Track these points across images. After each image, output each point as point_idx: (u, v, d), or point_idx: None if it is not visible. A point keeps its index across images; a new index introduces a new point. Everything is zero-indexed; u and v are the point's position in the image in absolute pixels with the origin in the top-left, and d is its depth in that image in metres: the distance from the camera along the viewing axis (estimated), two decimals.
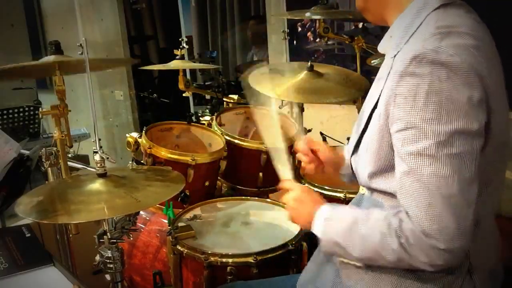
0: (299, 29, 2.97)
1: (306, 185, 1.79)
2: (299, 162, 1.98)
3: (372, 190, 1.02)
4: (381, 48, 1.04)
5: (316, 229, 1.00)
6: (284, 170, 1.23)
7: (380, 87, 0.95)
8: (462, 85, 0.80)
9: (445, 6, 0.91)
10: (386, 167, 0.94)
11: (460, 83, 0.80)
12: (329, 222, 0.98)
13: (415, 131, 0.82)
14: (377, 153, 0.94)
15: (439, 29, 0.85)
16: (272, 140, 1.30)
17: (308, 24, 2.94)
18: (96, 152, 1.21)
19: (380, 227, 0.88)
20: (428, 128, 0.81)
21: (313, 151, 1.27)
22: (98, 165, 1.22)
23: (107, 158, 1.22)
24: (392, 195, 0.95)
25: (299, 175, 1.88)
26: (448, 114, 0.80)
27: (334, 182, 1.80)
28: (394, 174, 0.91)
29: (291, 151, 2.03)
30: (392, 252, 0.86)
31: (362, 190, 1.09)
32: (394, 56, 0.93)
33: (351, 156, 1.07)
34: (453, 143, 0.81)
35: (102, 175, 1.22)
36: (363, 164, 1.00)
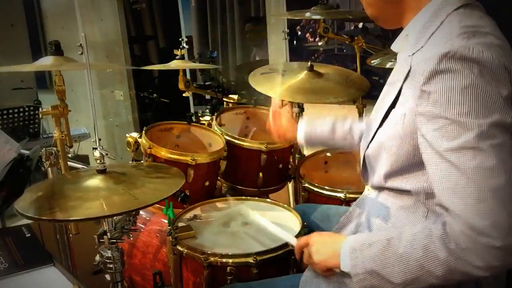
0: (299, 33, 2.97)
1: (306, 184, 1.79)
2: (299, 161, 1.99)
3: (380, 189, 1.01)
4: (395, 46, 1.04)
5: (344, 264, 0.95)
6: (288, 237, 1.25)
7: (398, 86, 0.94)
8: (494, 80, 0.81)
9: (465, 7, 0.91)
10: (404, 168, 0.93)
11: (492, 78, 0.80)
12: (357, 253, 0.92)
13: (455, 126, 0.81)
14: (396, 154, 0.93)
15: (464, 28, 0.85)
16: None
17: (307, 26, 2.94)
18: (96, 148, 1.21)
19: (420, 240, 0.84)
20: (468, 122, 0.80)
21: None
22: (98, 161, 1.21)
23: (107, 154, 1.22)
24: (404, 192, 0.94)
25: (299, 175, 1.88)
26: (485, 107, 0.80)
27: (334, 182, 1.80)
28: (412, 174, 0.91)
29: (291, 150, 2.03)
30: (440, 263, 0.81)
31: (368, 191, 1.08)
32: (413, 54, 0.93)
33: (364, 153, 1.06)
34: (494, 135, 0.80)
35: (102, 171, 1.22)
36: (378, 163, 0.99)
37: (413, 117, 0.88)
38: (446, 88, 0.81)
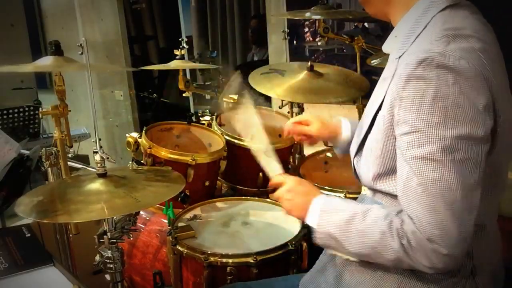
0: (306, 29, 2.95)
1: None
2: (299, 161, 1.99)
3: (375, 191, 1.02)
4: (386, 48, 1.03)
5: (311, 220, 0.99)
6: (272, 166, 1.22)
7: (384, 89, 0.94)
8: (469, 90, 0.80)
9: (451, 7, 0.90)
10: (391, 169, 0.93)
11: (467, 88, 0.80)
12: (325, 214, 0.97)
13: (420, 135, 0.82)
14: (381, 156, 0.94)
15: (445, 31, 0.85)
16: (254, 138, 1.31)
17: (309, 26, 2.94)
18: (96, 152, 1.21)
19: (381, 225, 0.88)
20: (434, 133, 0.80)
21: (304, 131, 1.33)
22: (98, 165, 1.22)
23: (107, 158, 1.22)
24: (395, 196, 0.95)
25: (298, 175, 1.88)
26: (454, 119, 0.80)
27: (334, 182, 1.80)
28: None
29: (291, 150, 2.03)
30: (392, 251, 0.86)
31: (364, 191, 1.08)
32: (399, 57, 0.93)
33: (354, 157, 1.07)
34: (458, 149, 0.80)
35: (102, 175, 1.22)
36: (367, 166, 1.00)
37: (391, 118, 0.89)
38: (418, 96, 0.81)
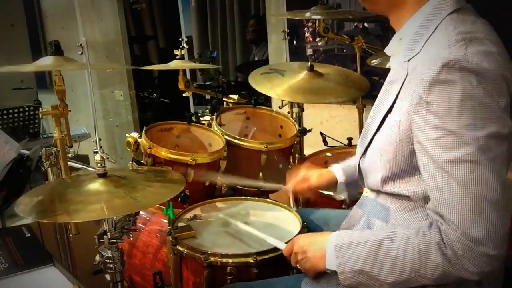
0: (306, 29, 2.96)
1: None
2: (299, 161, 1.99)
3: (378, 192, 1.01)
4: (389, 50, 1.03)
5: (329, 263, 0.96)
6: (278, 244, 1.26)
7: (394, 92, 0.94)
8: (492, 90, 0.81)
9: (457, 11, 0.91)
10: (401, 172, 0.93)
11: (490, 89, 0.81)
12: (343, 251, 0.94)
13: (454, 137, 0.82)
14: (392, 160, 0.94)
15: (460, 34, 0.85)
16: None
17: (310, 26, 2.94)
18: (96, 152, 1.21)
19: (415, 244, 0.86)
20: (467, 134, 0.81)
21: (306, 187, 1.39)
22: (98, 165, 1.21)
23: (107, 158, 1.22)
24: (403, 197, 0.95)
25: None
26: (483, 119, 0.81)
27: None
28: (409, 179, 0.91)
29: (292, 150, 2.03)
30: (435, 267, 0.84)
31: (366, 193, 1.08)
32: (409, 60, 0.93)
33: (360, 159, 1.06)
34: (491, 147, 0.81)
35: (102, 175, 1.22)
36: (374, 168, 0.99)
37: (409, 123, 0.89)
38: (446, 99, 0.82)
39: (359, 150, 1.07)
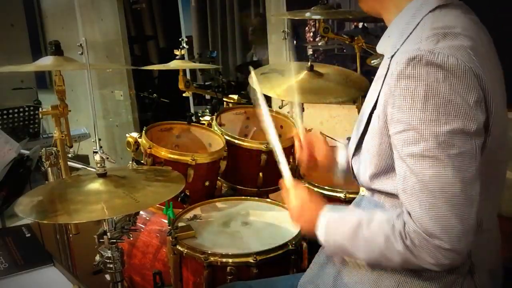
0: (306, 29, 2.96)
1: (306, 184, 1.79)
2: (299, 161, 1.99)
3: (373, 191, 1.02)
4: (379, 48, 1.04)
5: (319, 233, 1.00)
6: (284, 168, 1.21)
7: (378, 88, 0.95)
8: (459, 86, 0.81)
9: (441, 8, 0.91)
10: (387, 168, 0.94)
11: (457, 84, 0.81)
12: (332, 226, 0.98)
13: (415, 132, 0.83)
14: (377, 155, 0.94)
15: (434, 30, 0.86)
16: (272, 138, 1.28)
17: (308, 25, 2.94)
18: (96, 152, 1.21)
19: (384, 229, 0.88)
20: (427, 130, 0.81)
21: (310, 146, 1.27)
22: (98, 165, 1.22)
23: (107, 158, 1.22)
24: (393, 195, 0.95)
25: (299, 175, 1.88)
26: (446, 115, 0.80)
27: (334, 182, 1.80)
28: (395, 175, 0.91)
29: (292, 150, 2.03)
30: (398, 254, 0.86)
31: (363, 191, 1.08)
32: (391, 56, 0.93)
33: (352, 158, 1.07)
34: (453, 144, 0.81)
35: (102, 175, 1.22)
36: (364, 165, 1.00)
37: (385, 117, 0.90)
38: (409, 94, 0.82)
39: (350, 149, 1.07)
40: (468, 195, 0.82)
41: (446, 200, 0.81)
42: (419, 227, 0.83)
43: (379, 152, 0.94)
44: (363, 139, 1.01)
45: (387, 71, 0.92)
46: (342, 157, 1.26)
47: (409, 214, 0.85)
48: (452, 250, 0.81)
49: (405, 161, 0.85)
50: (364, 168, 1.00)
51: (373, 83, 1.02)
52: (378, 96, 0.94)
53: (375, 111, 0.95)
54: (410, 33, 0.91)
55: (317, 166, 1.29)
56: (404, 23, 0.94)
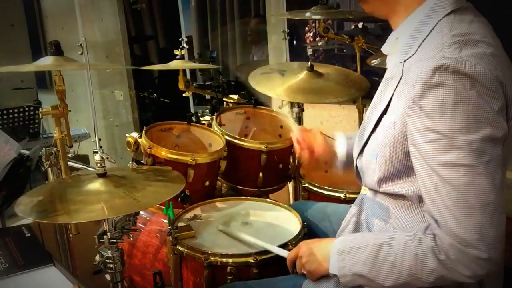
0: (306, 29, 2.96)
1: (306, 185, 1.79)
2: (299, 162, 1.99)
3: (376, 192, 1.01)
4: (386, 49, 1.03)
5: (332, 267, 0.98)
6: (279, 251, 1.25)
7: (390, 92, 0.94)
8: (486, 93, 0.81)
9: (455, 12, 0.90)
10: (397, 173, 0.93)
11: (484, 92, 0.81)
12: (345, 255, 0.95)
13: (446, 141, 0.82)
14: (389, 161, 0.94)
15: (455, 37, 0.85)
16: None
17: (308, 25, 2.94)
18: (96, 152, 1.21)
19: (411, 249, 0.87)
20: (459, 138, 0.81)
21: (309, 142, 1.29)
22: (98, 165, 1.21)
23: (107, 158, 1.22)
24: (399, 196, 0.95)
25: (299, 175, 1.88)
26: (476, 122, 0.80)
27: (334, 182, 1.80)
28: (406, 179, 0.91)
29: (292, 150, 2.03)
30: (430, 272, 0.85)
31: (364, 191, 1.08)
32: (404, 61, 0.93)
33: (357, 158, 1.06)
34: (484, 151, 0.81)
35: (102, 175, 1.22)
36: (371, 168, 0.99)
37: (404, 125, 0.89)
38: (439, 103, 0.82)
39: (356, 150, 1.07)
40: (500, 202, 0.81)
41: (482, 208, 0.80)
42: (455, 238, 0.81)
43: (391, 159, 0.93)
44: (368, 141, 1.00)
45: (402, 75, 0.91)
46: (341, 147, 1.27)
47: (440, 227, 0.83)
48: (489, 259, 0.80)
49: (436, 171, 0.83)
50: (371, 170, 0.99)
51: (381, 86, 1.01)
52: (390, 101, 0.93)
53: (386, 116, 0.95)
54: (425, 38, 0.90)
55: (318, 161, 1.30)
56: (414, 26, 0.93)
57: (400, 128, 0.90)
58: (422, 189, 0.87)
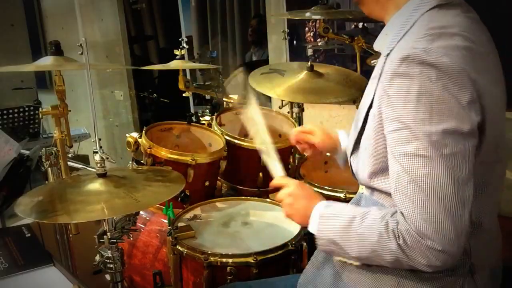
0: (306, 29, 2.96)
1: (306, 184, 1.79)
2: (299, 162, 1.99)
3: (372, 189, 1.02)
4: (376, 46, 1.04)
5: (311, 226, 1.00)
6: (275, 167, 1.24)
7: (374, 87, 0.95)
8: (452, 85, 0.80)
9: (440, 7, 0.90)
10: (384, 167, 0.93)
11: (450, 83, 0.80)
12: (325, 220, 0.98)
13: (408, 131, 0.82)
14: (374, 154, 0.94)
15: (431, 30, 0.85)
16: (260, 138, 1.32)
17: (308, 25, 2.94)
18: (96, 152, 1.21)
19: (378, 227, 0.88)
20: (420, 129, 0.81)
21: (305, 136, 1.33)
22: (98, 165, 1.22)
23: (107, 158, 1.22)
24: (391, 194, 0.95)
25: (299, 175, 1.88)
26: (439, 114, 0.80)
27: (334, 182, 1.80)
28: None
29: (291, 150, 2.03)
30: (390, 252, 0.86)
31: (362, 189, 1.08)
32: (387, 55, 0.93)
33: (351, 156, 1.07)
34: (446, 144, 0.80)
35: (102, 175, 1.22)
36: (362, 164, 1.00)
37: (380, 115, 0.89)
38: (403, 92, 0.82)
39: (349, 148, 1.07)
40: (461, 196, 0.81)
41: (439, 201, 0.81)
42: (412, 227, 0.82)
43: (376, 151, 0.94)
44: (360, 137, 1.01)
45: (382, 69, 0.92)
46: (343, 136, 1.30)
47: (402, 213, 0.85)
48: (444, 251, 0.81)
49: (398, 160, 0.84)
50: (362, 166, 1.00)
51: (369, 82, 1.02)
52: (374, 95, 0.94)
53: (371, 110, 0.95)
54: (406, 32, 0.90)
55: (319, 151, 1.34)
56: (401, 22, 0.93)
57: (378, 119, 0.90)
58: (390, 178, 0.88)
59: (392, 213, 0.89)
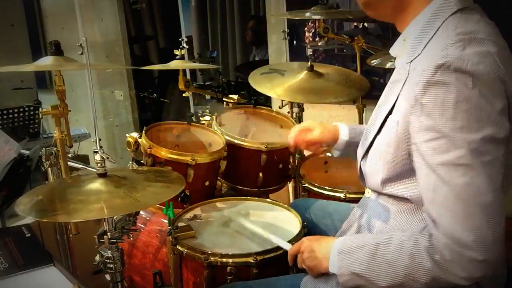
0: (306, 29, 2.96)
1: (306, 184, 1.79)
2: (299, 162, 1.99)
3: (380, 193, 1.01)
4: (394, 51, 1.03)
5: (331, 267, 0.98)
6: (282, 244, 1.27)
7: (396, 93, 0.94)
8: (488, 93, 0.80)
9: (462, 11, 0.90)
10: (401, 174, 0.93)
11: (486, 91, 0.80)
12: (344, 255, 0.95)
13: (446, 140, 0.81)
14: (392, 161, 0.93)
15: (460, 35, 0.85)
16: (262, 237, 1.36)
17: (310, 26, 2.95)
18: (96, 152, 1.21)
19: (407, 248, 0.86)
20: (460, 137, 0.80)
21: (307, 138, 1.33)
22: (98, 165, 1.21)
23: (107, 158, 1.22)
24: (401, 199, 0.94)
25: (299, 175, 1.88)
26: (478, 122, 0.79)
27: (334, 182, 1.80)
28: (409, 180, 0.91)
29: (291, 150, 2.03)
30: (426, 272, 0.84)
31: (368, 193, 1.08)
32: (411, 61, 0.92)
33: (361, 160, 1.06)
34: (485, 151, 0.80)
35: (102, 175, 1.22)
36: (375, 169, 0.99)
37: (406, 124, 0.88)
38: (440, 101, 0.81)
39: (360, 152, 1.07)
40: (499, 203, 0.80)
41: (480, 209, 0.79)
42: (451, 239, 0.80)
43: (395, 159, 0.93)
44: (373, 142, 1.00)
45: (408, 76, 0.91)
46: (343, 135, 1.30)
47: (437, 227, 0.83)
48: (485, 261, 0.79)
49: (436, 170, 0.82)
50: (375, 172, 0.99)
51: (388, 87, 1.01)
52: (395, 101, 0.93)
53: (391, 117, 0.94)
54: (431, 38, 0.90)
55: (320, 147, 1.35)
56: (421, 26, 0.93)
57: (403, 127, 0.89)
58: (422, 189, 0.87)
59: (421, 231, 0.87)
